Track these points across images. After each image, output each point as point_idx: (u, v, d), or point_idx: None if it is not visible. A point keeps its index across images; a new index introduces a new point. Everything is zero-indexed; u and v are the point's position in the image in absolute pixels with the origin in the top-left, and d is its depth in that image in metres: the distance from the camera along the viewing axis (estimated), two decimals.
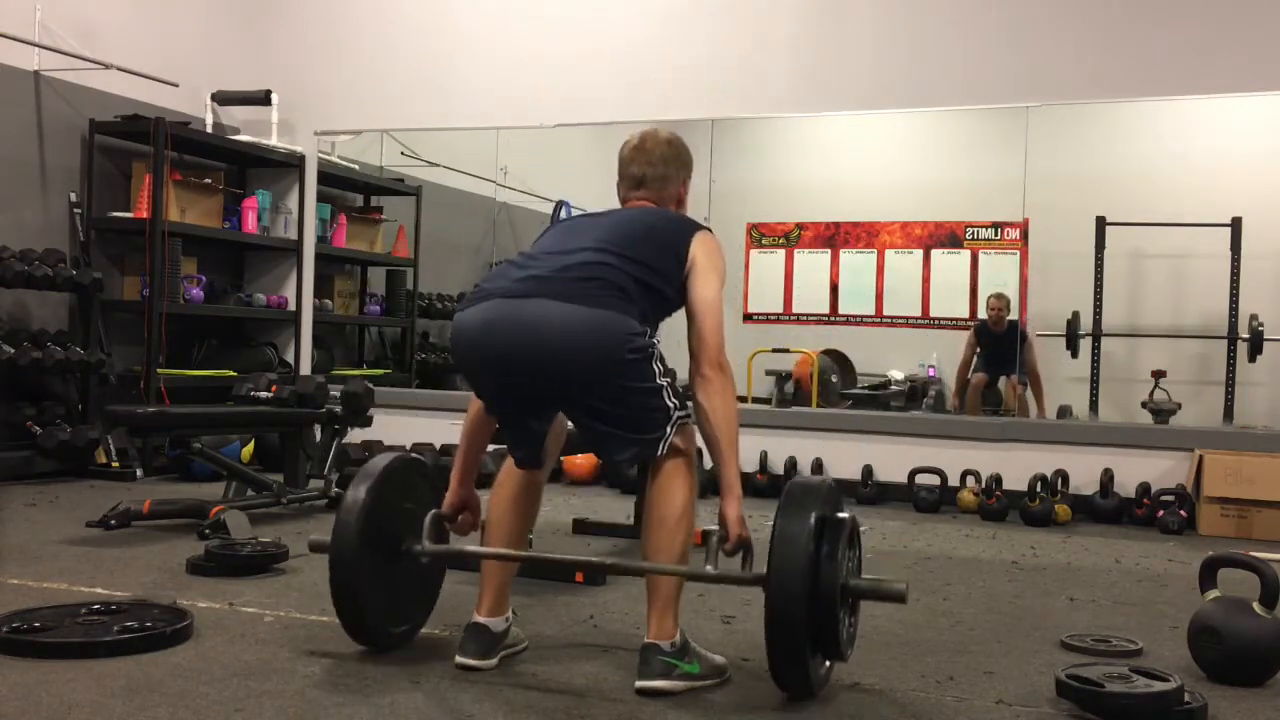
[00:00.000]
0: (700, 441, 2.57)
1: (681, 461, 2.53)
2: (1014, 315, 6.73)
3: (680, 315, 2.61)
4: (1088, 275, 6.61)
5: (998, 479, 5.51)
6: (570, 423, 2.66)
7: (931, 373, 7.54)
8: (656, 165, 2.76)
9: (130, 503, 4.31)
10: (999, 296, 6.79)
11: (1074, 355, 6.66)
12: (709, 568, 2.44)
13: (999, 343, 6.81)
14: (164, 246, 5.99)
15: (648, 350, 2.46)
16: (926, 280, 7.48)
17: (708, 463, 4.77)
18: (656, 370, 2.49)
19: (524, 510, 2.72)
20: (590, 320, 2.40)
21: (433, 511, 2.68)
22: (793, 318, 7.35)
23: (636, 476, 2.64)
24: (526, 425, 2.59)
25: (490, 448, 2.83)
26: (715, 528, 2.47)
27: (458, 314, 2.54)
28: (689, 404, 2.55)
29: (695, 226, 2.67)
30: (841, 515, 2.43)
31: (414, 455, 2.90)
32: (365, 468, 2.70)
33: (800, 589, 2.26)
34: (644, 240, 2.56)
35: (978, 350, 7.05)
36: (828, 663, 2.45)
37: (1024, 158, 6.22)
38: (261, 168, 7.01)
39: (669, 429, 2.50)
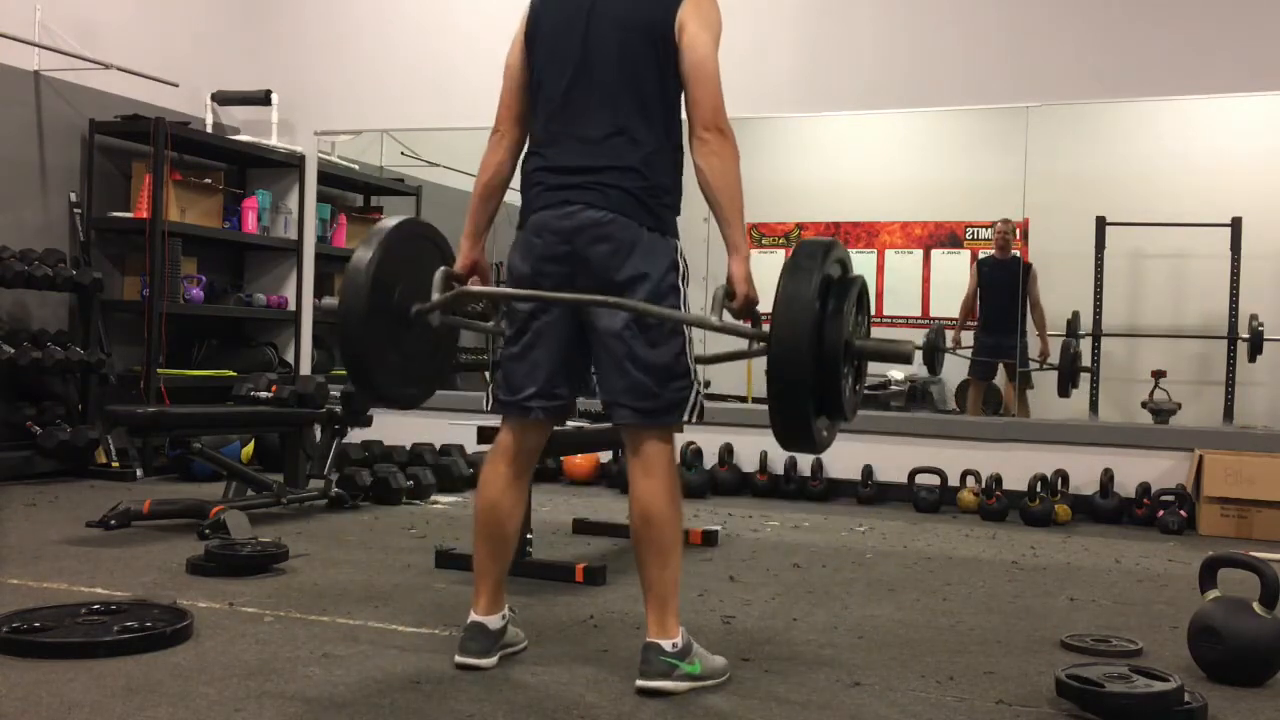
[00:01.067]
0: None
1: (667, 452, 2.52)
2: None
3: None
4: (1088, 275, 6.61)
5: (998, 479, 5.51)
6: (602, 354, 2.57)
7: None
8: None
9: (130, 503, 4.32)
10: (1005, 221, 6.72)
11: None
12: (714, 318, 2.42)
13: (1003, 271, 6.74)
14: (164, 246, 5.99)
15: (675, 259, 2.51)
16: (926, 280, 7.48)
17: (708, 463, 4.83)
18: (680, 286, 2.51)
19: (514, 499, 2.65)
20: (628, 238, 2.46)
21: (443, 268, 2.65)
22: None
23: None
24: (559, 358, 2.57)
25: (478, 448, 2.79)
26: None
27: (525, 222, 2.59)
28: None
29: None
30: (849, 274, 2.38)
31: (425, 221, 2.84)
32: (374, 228, 2.63)
33: (804, 346, 2.21)
34: (639, 57, 2.50)
35: (979, 285, 6.98)
36: (831, 422, 2.40)
37: (1024, 158, 6.22)
38: (261, 168, 7.01)
39: (692, 398, 2.49)
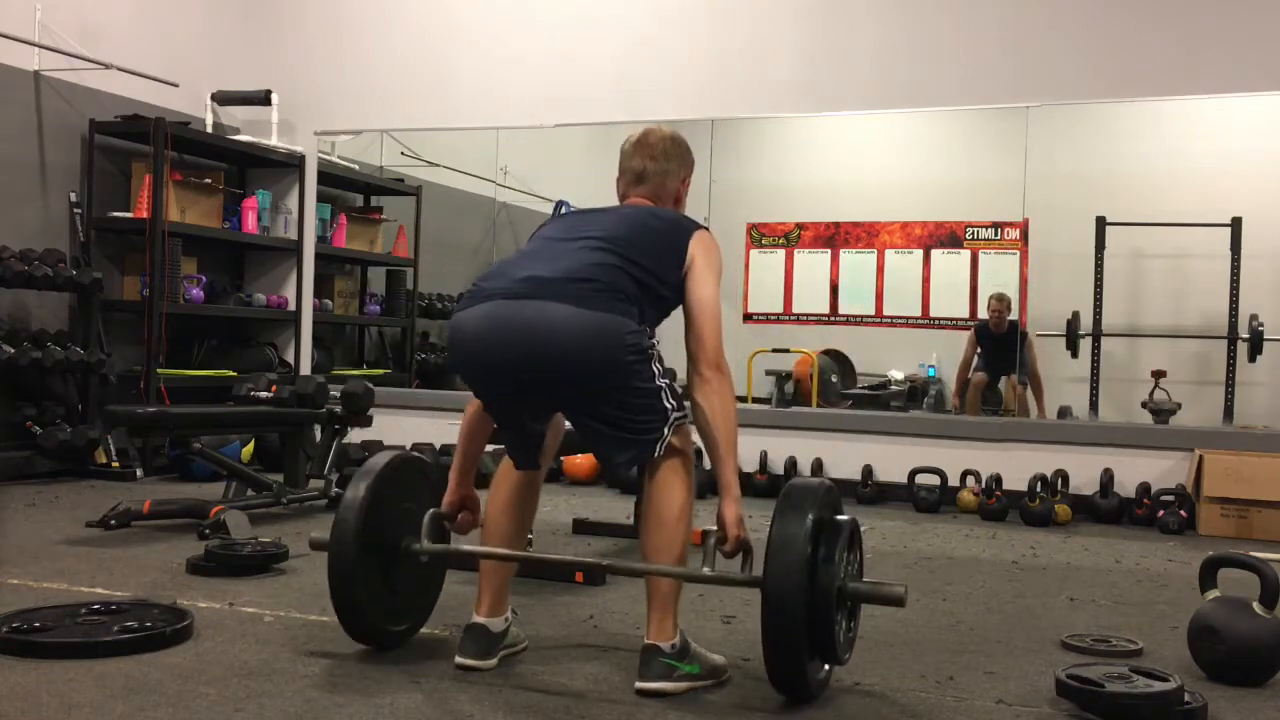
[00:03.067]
0: (698, 440, 2.57)
1: (679, 461, 2.53)
2: (1014, 316, 6.73)
3: (678, 314, 2.61)
4: (1088, 275, 6.61)
5: (998, 479, 5.51)
6: (569, 424, 2.66)
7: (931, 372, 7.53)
8: (659, 160, 2.76)
9: (130, 503, 4.32)
10: (999, 299, 6.79)
11: (1074, 355, 6.66)
12: (706, 569, 2.43)
13: (999, 343, 6.81)
14: (164, 246, 5.99)
15: (647, 351, 2.46)
16: (926, 280, 7.48)
17: (707, 463, 4.76)
18: (656, 371, 2.48)
19: (522, 510, 2.72)
20: (590, 323, 2.39)
21: (431, 510, 2.68)
22: (793, 318, 7.35)
23: (636, 476, 2.61)
24: (525, 426, 2.59)
25: (489, 447, 2.83)
26: (714, 528, 2.47)
27: (456, 314, 2.53)
28: (686, 405, 2.55)
29: (694, 226, 2.67)
30: (840, 518, 2.42)
31: (414, 454, 2.90)
32: (365, 466, 2.70)
33: (797, 592, 2.25)
34: (642, 239, 2.56)
35: (978, 351, 7.05)
36: (826, 666, 2.45)
37: (1024, 158, 6.22)
38: (261, 168, 7.01)
39: (666, 430, 2.49)
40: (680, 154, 2.80)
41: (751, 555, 2.45)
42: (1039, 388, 6.83)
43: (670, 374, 2.55)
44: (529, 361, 2.42)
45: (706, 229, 2.69)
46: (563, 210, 3.37)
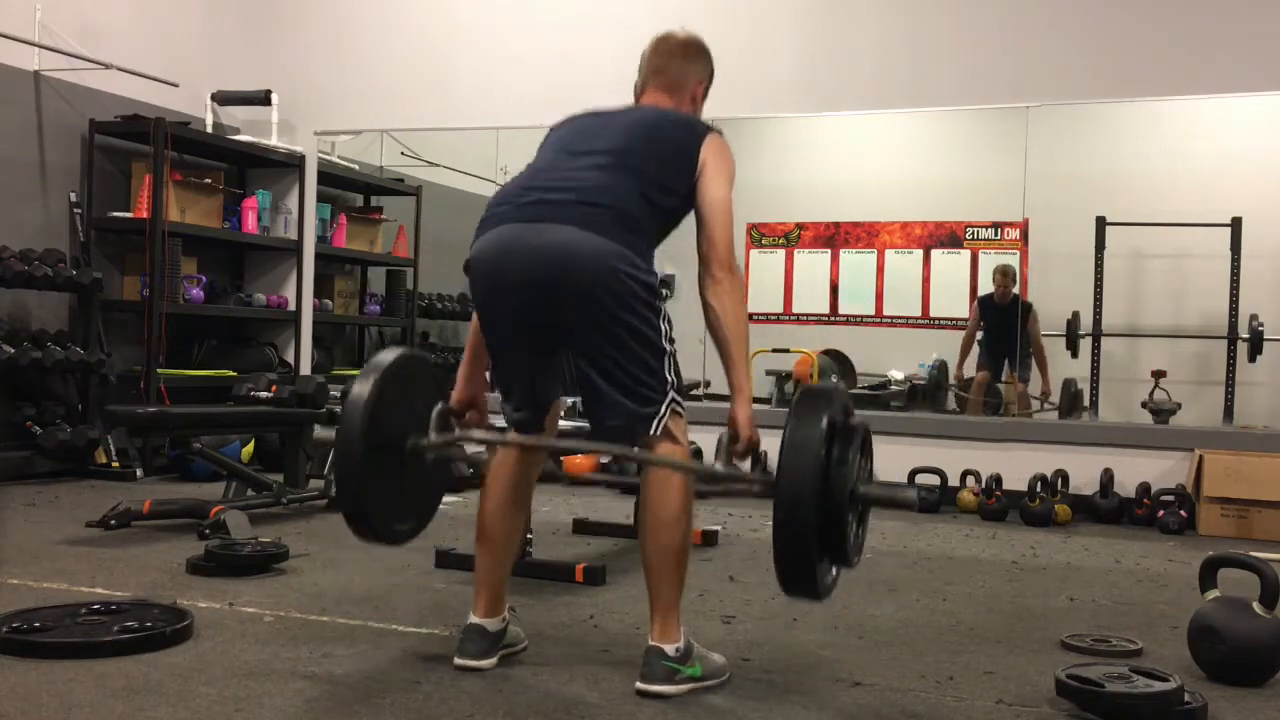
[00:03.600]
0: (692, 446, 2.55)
1: (679, 453, 2.52)
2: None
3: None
4: (1088, 275, 6.61)
5: (998, 479, 5.51)
6: (574, 376, 2.58)
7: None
8: (678, 57, 2.77)
9: (130, 503, 4.32)
10: (1004, 271, 6.74)
11: (1074, 355, 6.66)
12: (718, 465, 2.43)
13: (1003, 315, 6.76)
14: (164, 246, 5.99)
15: (652, 288, 2.45)
16: (926, 280, 7.48)
17: (707, 462, 4.72)
18: (662, 329, 2.47)
19: (516, 506, 2.69)
20: (598, 247, 2.39)
21: (440, 405, 2.65)
22: (793, 318, 7.35)
23: (637, 471, 2.60)
24: (530, 377, 2.56)
25: (479, 449, 2.80)
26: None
27: (473, 249, 2.53)
28: (684, 390, 2.54)
29: (706, 129, 2.64)
30: (853, 421, 2.40)
31: (421, 353, 2.84)
32: (371, 362, 2.64)
33: (809, 493, 2.22)
34: (653, 148, 2.54)
35: (981, 324, 7.01)
36: (835, 569, 2.41)
37: (1024, 158, 6.22)
38: (261, 168, 7.01)
39: (663, 408, 2.47)
40: (701, 56, 2.81)
41: (763, 458, 2.43)
42: (1043, 361, 6.79)
43: (674, 360, 2.52)
44: (543, 281, 2.41)
45: (719, 132, 2.65)
46: None
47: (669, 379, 2.49)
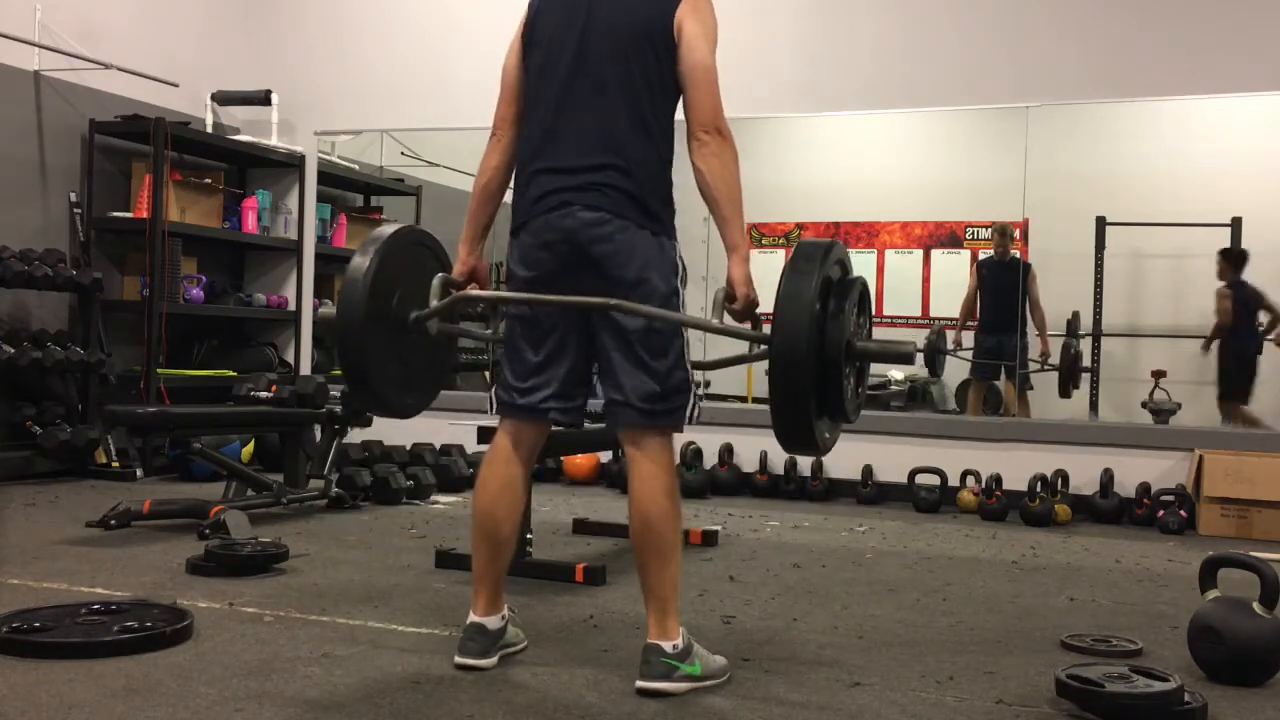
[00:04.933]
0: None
1: (667, 454, 2.52)
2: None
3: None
4: (1088, 275, 6.61)
5: (998, 479, 5.51)
6: (615, 354, 2.57)
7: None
8: None
9: (130, 503, 4.32)
10: (1003, 231, 6.72)
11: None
12: (714, 320, 2.43)
13: (1002, 272, 6.74)
14: (164, 246, 5.99)
15: (675, 263, 2.51)
16: (926, 280, 7.48)
17: (708, 463, 4.79)
18: (678, 284, 2.51)
19: (512, 501, 2.66)
20: (631, 249, 2.45)
21: (440, 275, 2.65)
22: None
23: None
24: (568, 360, 2.57)
25: (475, 448, 2.79)
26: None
27: (514, 238, 2.57)
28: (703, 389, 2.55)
29: None
30: (849, 275, 2.38)
31: (422, 230, 2.84)
32: (372, 235, 2.62)
33: (804, 347, 2.21)
34: (636, 59, 2.51)
35: (979, 285, 6.99)
36: (833, 424, 2.40)
37: (1024, 158, 6.22)
38: (261, 168, 7.01)
39: (691, 401, 2.49)
40: None
41: (759, 316, 2.45)
42: (1042, 321, 6.74)
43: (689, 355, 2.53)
44: (577, 265, 2.47)
45: None
46: None
47: (690, 375, 2.51)
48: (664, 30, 2.50)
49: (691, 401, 2.52)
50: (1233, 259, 6.43)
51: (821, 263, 2.28)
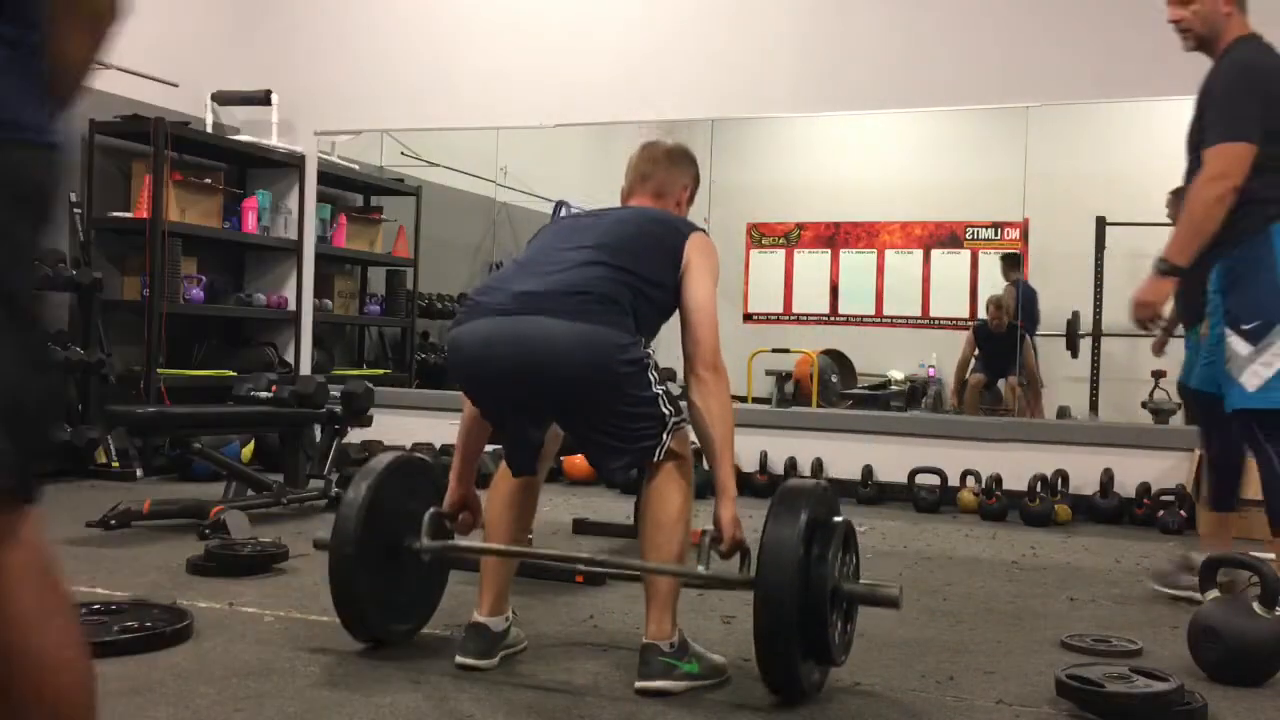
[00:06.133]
0: (695, 440, 2.58)
1: (677, 464, 2.54)
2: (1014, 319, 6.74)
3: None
4: (1088, 275, 6.61)
5: (998, 479, 5.51)
6: (571, 436, 2.66)
7: (932, 373, 7.54)
8: (662, 163, 2.81)
9: (130, 503, 4.31)
10: (998, 304, 6.80)
11: (1074, 355, 6.66)
12: (701, 568, 2.44)
13: (998, 344, 6.82)
14: (164, 246, 5.99)
15: (642, 362, 2.47)
16: (926, 280, 7.48)
17: (706, 463, 4.71)
18: (651, 380, 2.49)
19: (522, 509, 2.72)
20: (584, 336, 2.39)
21: (432, 509, 2.69)
22: (793, 318, 7.36)
23: (636, 477, 2.62)
24: (524, 434, 2.59)
25: (488, 447, 2.83)
26: (711, 528, 2.48)
27: (454, 331, 2.55)
28: (683, 406, 2.55)
29: (690, 228, 2.68)
30: (834, 518, 2.42)
31: (415, 455, 2.90)
32: (366, 466, 2.70)
33: (789, 592, 2.25)
34: (637, 243, 2.57)
35: (976, 351, 7.05)
36: (820, 668, 2.44)
37: (1024, 158, 6.22)
38: (261, 168, 7.01)
39: (664, 436, 2.50)
40: (686, 163, 2.86)
41: (749, 556, 2.45)
42: (1036, 389, 6.84)
43: (669, 374, 2.55)
44: (528, 376, 2.43)
45: (703, 230, 2.70)
46: (563, 212, 3.39)
47: (666, 412, 2.51)
48: (677, 249, 2.57)
49: (663, 441, 2.50)
50: (1012, 262, 6.98)
51: (805, 507, 2.33)
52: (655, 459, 2.50)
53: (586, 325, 2.40)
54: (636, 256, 2.53)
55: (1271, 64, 3.30)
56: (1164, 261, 3.21)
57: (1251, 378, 3.05)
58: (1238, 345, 3.10)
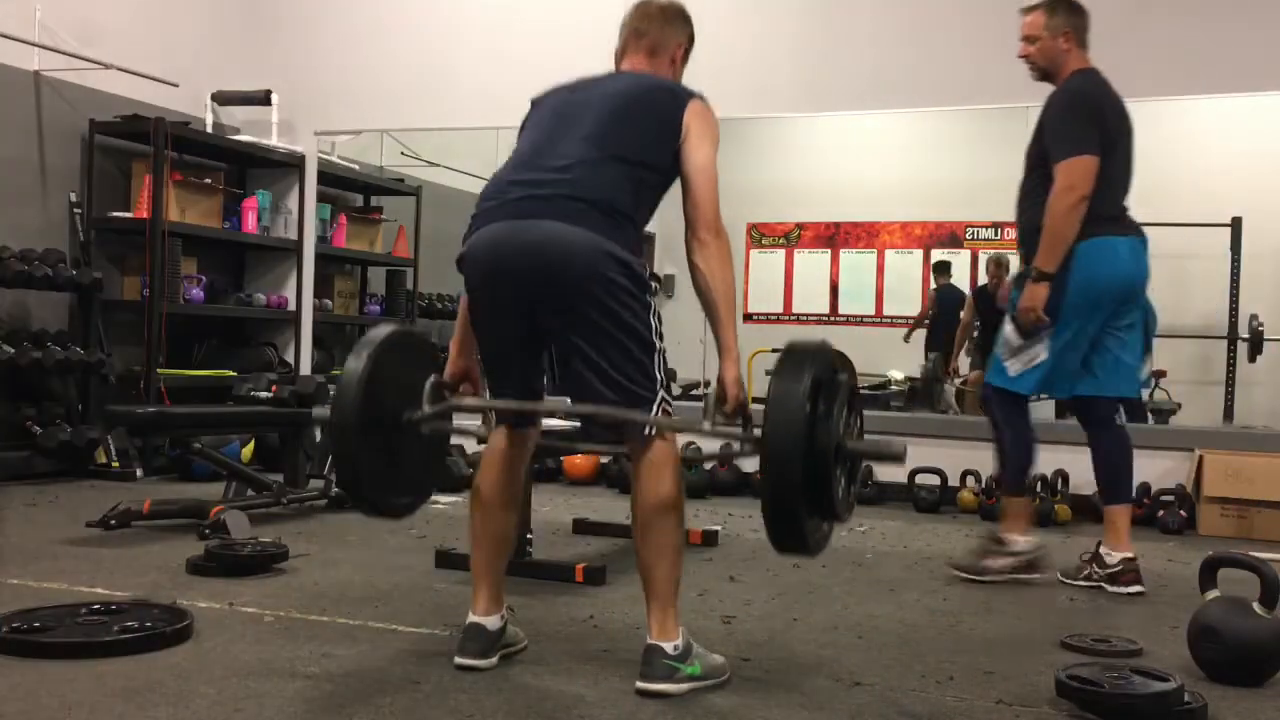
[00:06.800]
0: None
1: (668, 454, 2.52)
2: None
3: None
4: None
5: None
6: (561, 373, 2.60)
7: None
8: (655, 20, 2.80)
9: (130, 503, 4.31)
10: (999, 263, 6.72)
11: None
12: (706, 424, 2.45)
13: (1000, 313, 6.77)
14: (164, 246, 5.99)
15: (641, 280, 2.48)
16: (926, 280, 7.48)
17: (707, 464, 4.76)
18: (652, 324, 2.49)
19: (513, 472, 2.68)
20: (590, 243, 2.42)
21: (433, 377, 2.66)
22: (793, 318, 7.36)
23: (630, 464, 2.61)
24: (520, 369, 2.58)
25: (471, 448, 2.81)
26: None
27: (468, 241, 2.57)
28: (675, 389, 2.55)
29: (688, 94, 2.66)
30: (839, 376, 2.40)
31: (415, 329, 2.85)
32: (365, 337, 2.64)
33: (795, 448, 2.22)
34: (635, 120, 2.56)
35: (978, 318, 7.00)
36: (825, 524, 2.41)
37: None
38: (261, 168, 7.01)
39: (654, 409, 2.48)
40: (680, 19, 2.86)
41: (751, 419, 2.46)
42: None
43: (670, 374, 2.54)
44: (531, 274, 2.45)
45: (701, 97, 2.68)
46: None
47: (659, 377, 2.50)
48: (676, 118, 2.57)
49: (654, 411, 2.49)
50: (941, 268, 7.53)
51: (810, 365, 2.31)
52: (646, 434, 2.48)
53: (593, 233, 2.43)
54: (634, 140, 2.53)
55: (1100, 93, 3.92)
56: (1036, 269, 3.77)
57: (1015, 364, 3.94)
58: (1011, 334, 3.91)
